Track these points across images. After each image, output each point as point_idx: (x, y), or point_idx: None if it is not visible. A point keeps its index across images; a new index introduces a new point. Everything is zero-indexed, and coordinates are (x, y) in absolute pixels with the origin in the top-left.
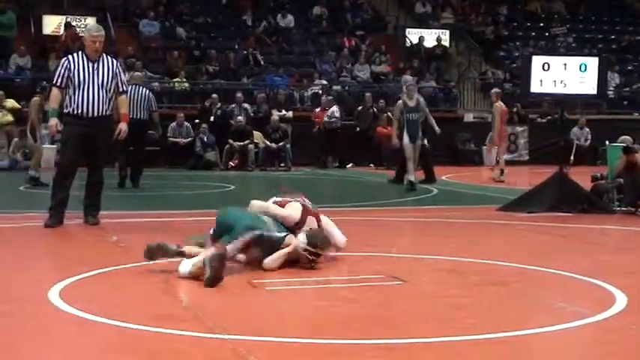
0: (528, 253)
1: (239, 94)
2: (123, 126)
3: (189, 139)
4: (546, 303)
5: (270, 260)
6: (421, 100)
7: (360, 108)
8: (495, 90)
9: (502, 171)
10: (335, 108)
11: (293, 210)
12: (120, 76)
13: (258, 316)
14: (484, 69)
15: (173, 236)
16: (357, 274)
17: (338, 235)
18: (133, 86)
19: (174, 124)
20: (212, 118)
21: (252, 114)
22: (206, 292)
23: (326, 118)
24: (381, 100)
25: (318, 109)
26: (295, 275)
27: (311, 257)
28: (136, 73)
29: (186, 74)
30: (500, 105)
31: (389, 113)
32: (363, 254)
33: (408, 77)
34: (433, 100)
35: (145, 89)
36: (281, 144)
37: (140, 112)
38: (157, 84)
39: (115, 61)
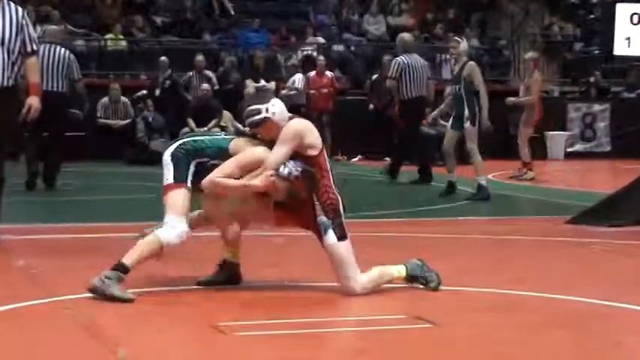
0: (610, 284)
1: (199, 58)
2: (33, 101)
3: (128, 120)
4: (631, 351)
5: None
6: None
7: (374, 77)
8: (532, 54)
9: (526, 165)
10: (298, 76)
11: None
12: (27, 29)
13: None
14: (548, 22)
15: (107, 260)
16: (369, 313)
17: None
18: (47, 46)
19: (105, 99)
20: (158, 92)
21: (217, 85)
22: (151, 338)
23: (284, 91)
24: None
25: (312, 74)
26: (280, 313)
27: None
28: (51, 27)
29: (123, 29)
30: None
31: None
32: None
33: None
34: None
35: (63, 50)
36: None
37: (57, 82)
38: (81, 42)
39: (20, 10)
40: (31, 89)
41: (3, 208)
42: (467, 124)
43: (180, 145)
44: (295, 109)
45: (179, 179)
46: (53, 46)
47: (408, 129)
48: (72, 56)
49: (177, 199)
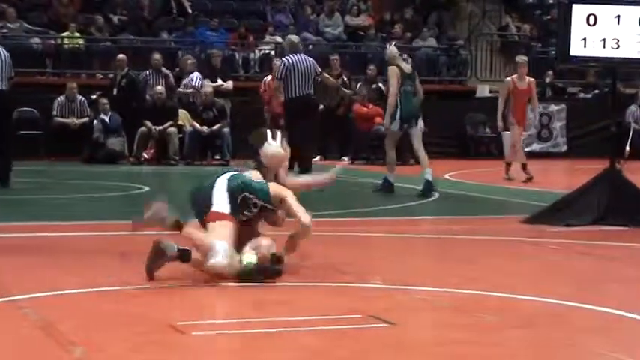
0: (564, 284)
1: (156, 56)
2: None
3: (85, 119)
4: (590, 353)
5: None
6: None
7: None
8: (522, 58)
9: (508, 166)
10: (196, 75)
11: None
12: None
13: None
14: (505, 22)
15: (62, 259)
16: (325, 312)
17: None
18: None
19: (62, 97)
20: (115, 90)
21: (173, 84)
22: (108, 338)
23: (181, 88)
24: (371, 67)
25: (268, 78)
26: (236, 313)
27: None
28: None
29: (80, 27)
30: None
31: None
32: (333, 285)
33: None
34: (433, 66)
35: (3, 49)
36: (216, 127)
37: (2, 81)
38: (38, 40)
39: None
40: None
41: None
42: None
43: (232, 178)
44: (164, 107)
45: (233, 214)
46: None
47: (296, 127)
48: (7, 53)
49: (225, 231)
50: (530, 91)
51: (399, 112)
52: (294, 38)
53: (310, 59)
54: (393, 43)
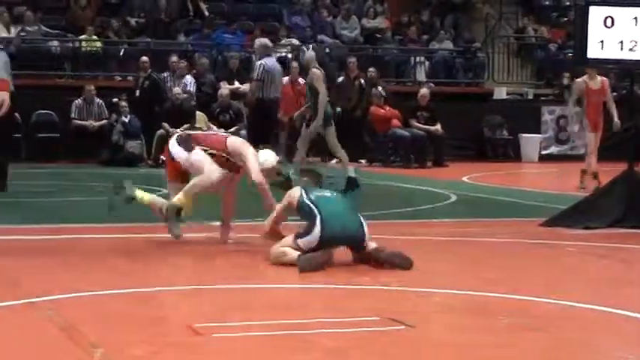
0: (581, 286)
1: (174, 58)
2: (4, 96)
3: (103, 121)
4: (606, 355)
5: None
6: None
7: (340, 79)
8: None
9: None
10: (189, 79)
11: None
12: None
13: None
14: (522, 24)
15: (82, 261)
16: (343, 314)
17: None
18: None
19: (80, 100)
20: (137, 92)
21: (191, 89)
22: (128, 339)
23: (175, 90)
24: (371, 69)
25: (285, 80)
26: (255, 315)
27: None
28: None
29: (97, 30)
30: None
31: (380, 88)
32: (351, 287)
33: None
34: (449, 68)
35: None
36: (233, 130)
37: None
38: (56, 43)
39: None
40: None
41: None
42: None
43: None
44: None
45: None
46: None
47: (259, 127)
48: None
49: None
50: (604, 92)
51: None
52: (265, 41)
53: (278, 65)
54: (311, 47)
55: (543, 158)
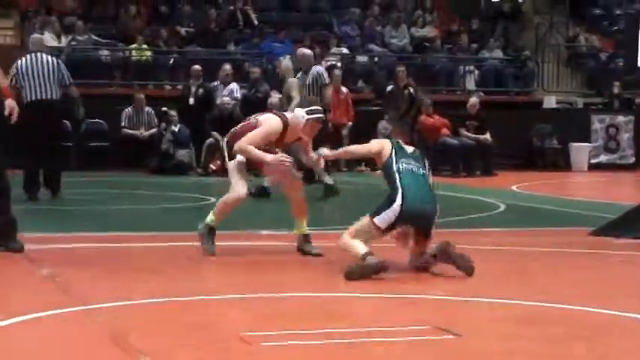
0: (633, 296)
1: (227, 67)
2: (11, 104)
3: (153, 130)
4: None
5: None
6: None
7: (390, 88)
8: None
9: None
10: (234, 86)
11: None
12: None
13: None
14: (572, 33)
15: (132, 269)
16: (392, 323)
17: None
18: (33, 55)
19: (129, 109)
20: (191, 101)
21: (238, 96)
22: (175, 347)
23: (224, 99)
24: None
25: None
26: (303, 324)
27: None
28: (34, 36)
29: (147, 39)
30: None
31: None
32: (398, 296)
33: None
34: (499, 77)
35: (50, 57)
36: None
37: (47, 91)
38: (106, 52)
39: None
40: (4, 92)
41: (22, 217)
42: None
43: None
44: (231, 118)
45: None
46: (42, 55)
47: None
48: (60, 62)
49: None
50: None
51: None
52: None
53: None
54: (288, 57)
55: (592, 167)
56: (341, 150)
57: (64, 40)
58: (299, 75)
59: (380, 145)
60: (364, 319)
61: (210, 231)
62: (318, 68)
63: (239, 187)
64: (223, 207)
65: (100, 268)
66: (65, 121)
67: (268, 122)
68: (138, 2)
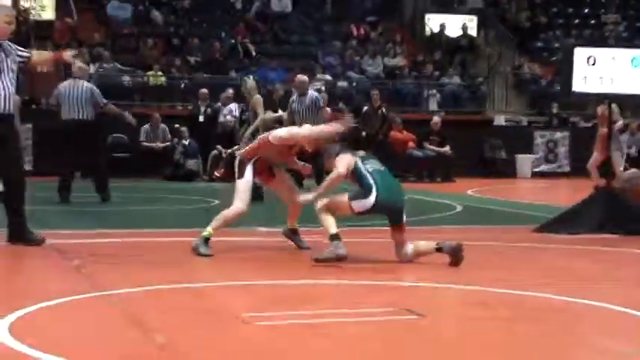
0: (570, 283)
1: (230, 91)
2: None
3: (167, 143)
4: (594, 343)
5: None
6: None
7: (365, 108)
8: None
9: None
10: (234, 106)
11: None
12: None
13: (246, 359)
14: (518, 62)
15: (148, 261)
16: (363, 306)
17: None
18: (73, 81)
19: (147, 126)
20: (201, 118)
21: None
22: (184, 327)
23: (221, 119)
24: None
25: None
26: (292, 307)
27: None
28: (79, 64)
29: (162, 67)
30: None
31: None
32: (370, 283)
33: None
34: (457, 99)
35: (85, 83)
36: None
37: (82, 111)
38: (127, 78)
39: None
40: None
41: (58, 217)
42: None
43: None
44: (232, 134)
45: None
46: (79, 82)
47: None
48: (92, 87)
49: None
50: None
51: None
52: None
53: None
54: (252, 77)
55: (535, 175)
56: (321, 190)
57: (92, 68)
58: (294, 97)
59: (346, 166)
60: (341, 303)
61: (206, 241)
62: (315, 93)
63: (242, 203)
64: (224, 221)
65: (120, 259)
66: (123, 135)
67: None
68: (154, 36)
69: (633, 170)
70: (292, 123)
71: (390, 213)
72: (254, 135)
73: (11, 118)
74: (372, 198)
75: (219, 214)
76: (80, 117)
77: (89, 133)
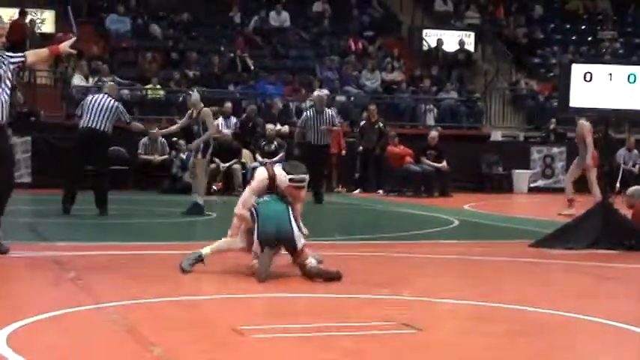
0: (566, 298)
1: (228, 104)
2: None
3: (164, 157)
4: (589, 358)
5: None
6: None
7: (362, 123)
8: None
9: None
10: (233, 120)
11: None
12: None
13: None
14: (515, 78)
15: (145, 273)
16: (362, 320)
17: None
18: (101, 95)
19: (145, 139)
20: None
21: (237, 129)
22: (181, 339)
23: (224, 131)
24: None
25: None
26: (288, 319)
27: (297, 186)
28: (110, 83)
29: (160, 80)
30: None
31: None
32: (369, 297)
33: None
34: (454, 114)
35: (112, 100)
36: (276, 158)
37: (102, 124)
38: (126, 91)
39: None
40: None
41: (55, 229)
42: (199, 156)
43: None
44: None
45: None
46: (106, 96)
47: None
48: (119, 105)
49: None
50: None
51: (203, 145)
52: (321, 95)
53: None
54: (195, 90)
55: (532, 190)
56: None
57: (91, 81)
58: (310, 113)
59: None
60: (337, 316)
61: (198, 258)
62: (332, 111)
63: (239, 240)
64: (224, 250)
65: (117, 272)
66: (121, 148)
67: (256, 176)
68: (153, 50)
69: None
70: (303, 138)
71: (279, 242)
72: (206, 147)
73: (5, 128)
74: (256, 232)
75: (220, 242)
76: (97, 127)
77: (101, 143)
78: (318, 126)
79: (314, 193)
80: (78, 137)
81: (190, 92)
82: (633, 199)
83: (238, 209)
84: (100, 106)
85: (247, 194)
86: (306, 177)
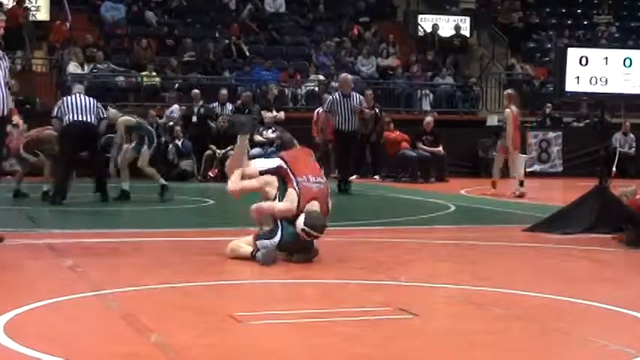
0: (561, 282)
1: (224, 92)
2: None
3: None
4: (583, 340)
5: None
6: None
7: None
8: (509, 91)
9: (521, 183)
10: (175, 107)
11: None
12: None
13: (241, 357)
14: (511, 63)
15: (142, 260)
16: (359, 305)
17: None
18: (77, 95)
19: None
20: (194, 119)
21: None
22: (179, 326)
23: (221, 118)
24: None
25: (320, 110)
26: (285, 305)
27: (309, 238)
28: (112, 110)
29: (156, 67)
30: (512, 110)
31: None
32: (366, 282)
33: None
34: (450, 99)
35: (91, 98)
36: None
37: (87, 116)
38: (121, 78)
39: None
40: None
41: (55, 217)
42: (144, 148)
43: None
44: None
45: None
46: (82, 95)
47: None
48: (96, 101)
49: None
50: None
51: (147, 139)
52: (348, 77)
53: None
54: (109, 108)
55: (528, 175)
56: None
57: (86, 68)
58: (337, 97)
59: (268, 184)
60: (335, 302)
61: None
62: (359, 95)
63: (249, 248)
64: (235, 254)
65: (114, 259)
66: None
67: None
68: (148, 36)
69: (632, 188)
70: (325, 125)
71: (293, 251)
72: (141, 143)
73: (4, 121)
74: (277, 239)
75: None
76: (87, 120)
77: (96, 136)
78: (346, 110)
79: (338, 182)
80: (72, 133)
81: (109, 109)
82: (626, 199)
83: (231, 185)
84: (82, 103)
85: (250, 180)
86: (322, 235)
